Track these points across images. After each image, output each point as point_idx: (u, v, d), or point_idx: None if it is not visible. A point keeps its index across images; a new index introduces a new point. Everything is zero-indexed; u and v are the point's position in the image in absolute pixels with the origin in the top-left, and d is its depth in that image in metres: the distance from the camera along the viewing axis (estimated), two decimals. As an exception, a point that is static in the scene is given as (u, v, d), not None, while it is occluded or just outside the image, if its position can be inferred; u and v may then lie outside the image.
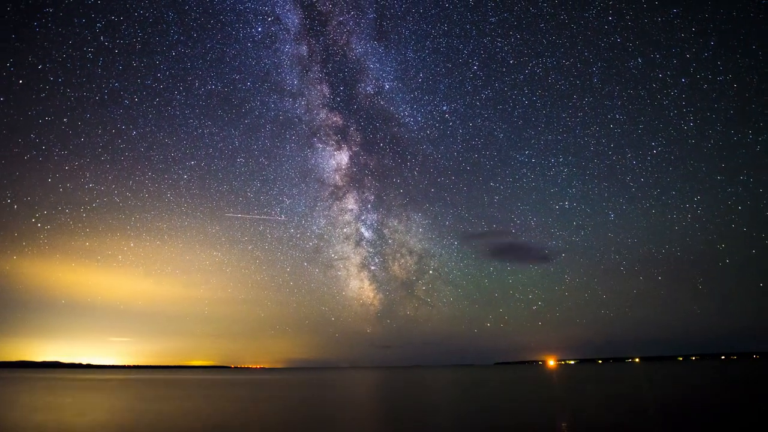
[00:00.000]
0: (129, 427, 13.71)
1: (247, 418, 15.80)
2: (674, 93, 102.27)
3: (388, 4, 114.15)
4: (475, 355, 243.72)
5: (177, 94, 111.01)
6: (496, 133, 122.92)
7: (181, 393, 30.91)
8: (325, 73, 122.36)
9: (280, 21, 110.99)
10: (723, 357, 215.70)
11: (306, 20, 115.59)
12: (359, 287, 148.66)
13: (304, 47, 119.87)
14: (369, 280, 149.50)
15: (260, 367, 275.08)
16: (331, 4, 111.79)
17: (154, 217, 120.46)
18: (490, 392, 28.38)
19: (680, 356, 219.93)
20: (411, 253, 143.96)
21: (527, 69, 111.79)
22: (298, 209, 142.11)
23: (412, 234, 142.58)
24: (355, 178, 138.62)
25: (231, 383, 48.53)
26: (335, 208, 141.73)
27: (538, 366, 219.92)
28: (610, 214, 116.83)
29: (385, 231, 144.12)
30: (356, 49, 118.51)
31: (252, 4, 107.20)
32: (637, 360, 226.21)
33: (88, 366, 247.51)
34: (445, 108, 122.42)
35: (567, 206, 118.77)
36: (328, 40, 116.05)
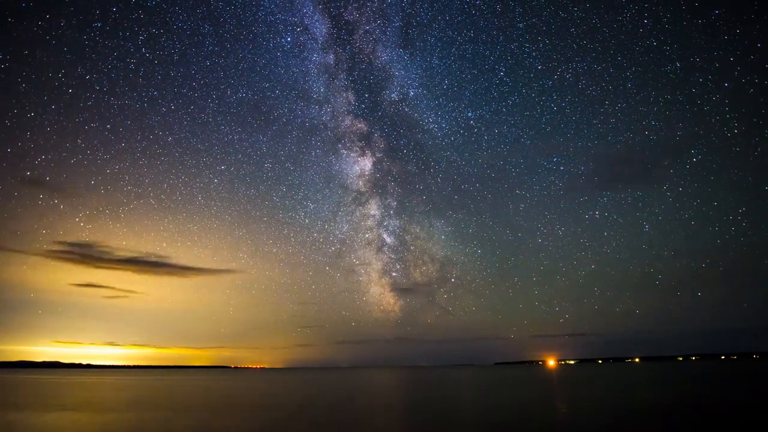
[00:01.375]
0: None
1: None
2: (716, 98, 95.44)
3: (414, 12, 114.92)
4: (475, 355, 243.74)
5: (210, 102, 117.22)
6: (522, 140, 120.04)
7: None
8: (350, 80, 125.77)
9: (309, 31, 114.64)
10: (723, 357, 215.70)
11: (333, 30, 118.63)
12: (380, 293, 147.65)
13: (331, 56, 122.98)
14: (390, 286, 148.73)
15: (260, 367, 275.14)
16: (358, 14, 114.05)
17: (186, 219, 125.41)
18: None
19: (680, 356, 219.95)
20: (433, 260, 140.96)
21: (556, 74, 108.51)
22: (321, 214, 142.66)
23: (434, 241, 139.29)
24: (378, 184, 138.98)
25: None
26: (358, 213, 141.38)
27: (538, 366, 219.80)
28: (645, 225, 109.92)
29: (407, 237, 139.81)
30: (381, 57, 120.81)
31: (282, 15, 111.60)
32: (637, 360, 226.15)
33: (88, 366, 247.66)
34: (470, 114, 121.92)
35: (597, 216, 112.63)
36: (355, 48, 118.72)
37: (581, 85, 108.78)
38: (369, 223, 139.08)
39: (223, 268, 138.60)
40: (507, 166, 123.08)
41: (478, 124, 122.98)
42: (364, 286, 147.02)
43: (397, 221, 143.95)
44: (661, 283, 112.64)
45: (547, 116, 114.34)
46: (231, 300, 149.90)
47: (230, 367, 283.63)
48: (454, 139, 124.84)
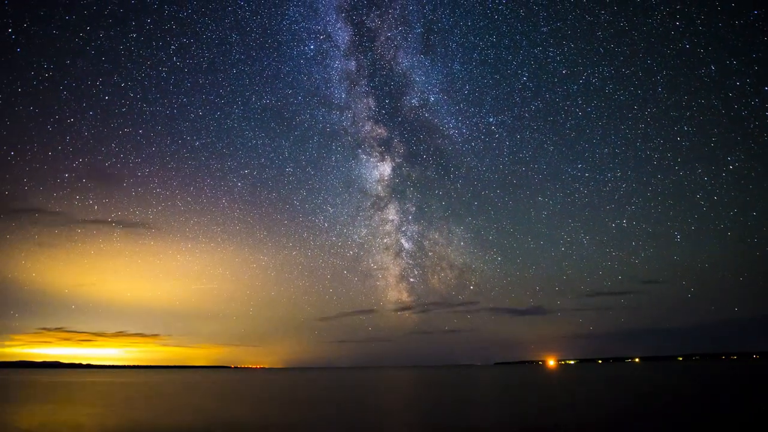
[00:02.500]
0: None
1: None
2: (755, 102, 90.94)
3: (436, 18, 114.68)
4: (475, 355, 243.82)
5: (236, 108, 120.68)
6: (545, 146, 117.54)
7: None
8: (371, 86, 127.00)
9: (331, 38, 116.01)
10: (723, 357, 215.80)
11: (355, 37, 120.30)
12: (397, 298, 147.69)
13: (353, 62, 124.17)
14: (407, 291, 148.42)
15: (260, 367, 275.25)
16: (380, 21, 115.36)
17: (210, 221, 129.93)
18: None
19: (680, 356, 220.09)
20: (451, 266, 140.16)
21: (581, 79, 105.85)
22: (340, 218, 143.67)
23: (453, 247, 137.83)
24: (397, 189, 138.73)
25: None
26: (376, 218, 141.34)
27: (538, 366, 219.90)
28: (677, 236, 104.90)
29: (426, 243, 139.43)
30: (402, 63, 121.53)
31: (306, 23, 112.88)
32: (637, 360, 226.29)
33: (88, 366, 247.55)
34: (491, 120, 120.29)
35: (625, 225, 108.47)
36: (376, 55, 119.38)
37: (608, 89, 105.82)
38: (387, 228, 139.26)
39: (244, 269, 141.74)
40: (529, 173, 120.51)
41: (500, 130, 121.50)
42: (381, 291, 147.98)
43: (416, 227, 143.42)
44: (693, 296, 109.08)
45: (572, 121, 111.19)
46: (251, 300, 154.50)
47: (230, 367, 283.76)
48: (475, 145, 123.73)
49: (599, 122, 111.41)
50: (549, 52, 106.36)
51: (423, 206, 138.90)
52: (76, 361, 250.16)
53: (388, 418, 15.28)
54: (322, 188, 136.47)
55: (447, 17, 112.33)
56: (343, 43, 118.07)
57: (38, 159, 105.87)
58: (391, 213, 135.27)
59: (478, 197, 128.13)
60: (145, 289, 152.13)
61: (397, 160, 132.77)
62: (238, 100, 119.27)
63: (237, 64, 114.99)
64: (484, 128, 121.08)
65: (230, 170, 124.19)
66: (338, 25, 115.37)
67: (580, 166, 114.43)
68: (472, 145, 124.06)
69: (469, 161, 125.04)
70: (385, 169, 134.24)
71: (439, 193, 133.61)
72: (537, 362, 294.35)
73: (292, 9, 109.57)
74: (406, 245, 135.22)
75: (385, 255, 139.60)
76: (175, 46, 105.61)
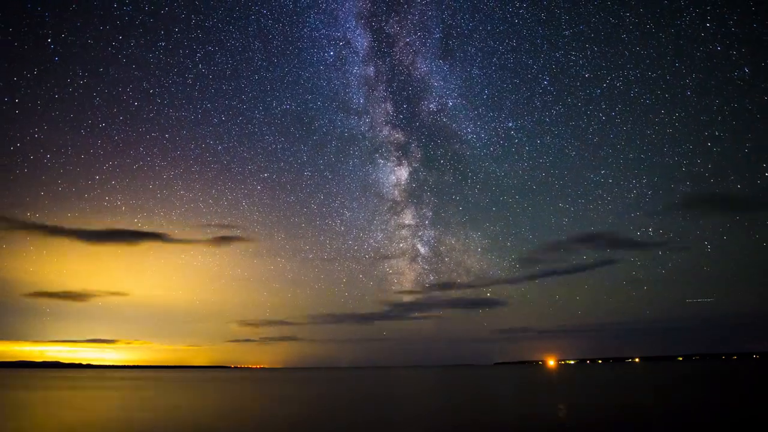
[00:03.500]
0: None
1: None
2: None
3: (455, 23, 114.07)
4: (475, 355, 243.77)
5: (257, 113, 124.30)
6: (567, 151, 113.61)
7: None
8: (389, 91, 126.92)
9: (351, 45, 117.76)
10: (723, 357, 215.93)
11: (374, 43, 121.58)
12: (411, 301, 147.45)
13: (372, 68, 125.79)
14: (422, 295, 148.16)
15: (260, 367, 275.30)
16: (399, 27, 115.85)
17: (230, 223, 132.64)
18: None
19: (680, 356, 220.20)
20: (468, 273, 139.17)
21: (605, 83, 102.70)
22: (357, 222, 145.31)
23: (470, 253, 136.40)
24: (414, 194, 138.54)
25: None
26: (393, 222, 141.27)
27: (538, 366, 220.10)
28: (707, 246, 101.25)
29: (442, 248, 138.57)
30: (421, 68, 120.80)
31: (326, 30, 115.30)
32: (637, 360, 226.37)
33: (88, 366, 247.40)
34: (510, 125, 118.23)
35: (651, 233, 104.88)
36: (394, 60, 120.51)
37: (633, 93, 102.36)
38: (404, 232, 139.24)
39: (262, 271, 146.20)
40: (549, 179, 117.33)
41: (519, 135, 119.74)
42: (396, 294, 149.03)
43: (432, 232, 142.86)
44: (724, 317, 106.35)
45: (595, 126, 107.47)
46: (267, 302, 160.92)
47: (230, 367, 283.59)
48: (493, 150, 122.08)
49: (623, 127, 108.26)
50: (571, 55, 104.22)
51: (440, 211, 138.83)
52: (76, 362, 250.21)
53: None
54: (339, 192, 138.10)
55: (466, 22, 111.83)
56: (362, 49, 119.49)
57: (72, 162, 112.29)
58: (408, 218, 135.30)
59: (497, 203, 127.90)
60: (165, 290, 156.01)
61: (415, 165, 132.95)
62: (260, 106, 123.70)
63: (259, 71, 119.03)
64: (503, 133, 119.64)
65: (250, 173, 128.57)
66: (357, 32, 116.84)
67: (603, 172, 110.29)
68: (490, 150, 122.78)
69: (487, 166, 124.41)
70: (403, 173, 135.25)
71: (456, 198, 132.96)
72: (537, 362, 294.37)
73: (313, 17, 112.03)
74: (422, 250, 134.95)
75: (401, 260, 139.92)
76: (200, 53, 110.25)
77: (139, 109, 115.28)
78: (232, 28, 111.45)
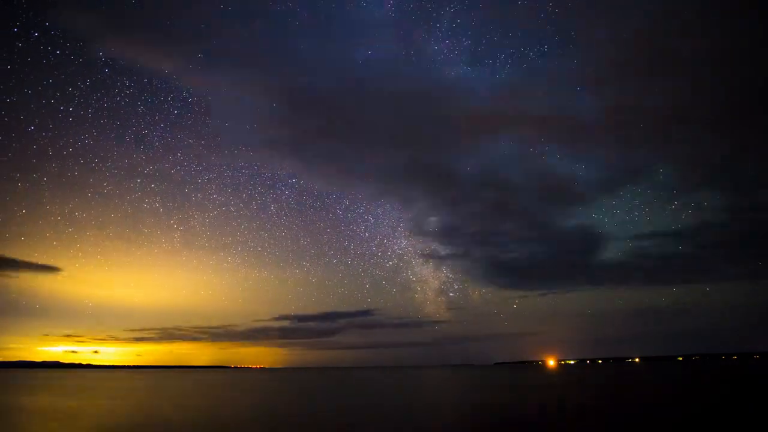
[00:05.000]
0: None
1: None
2: None
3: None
4: (475, 355, 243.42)
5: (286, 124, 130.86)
6: None
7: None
8: None
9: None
10: (723, 357, 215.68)
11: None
12: (435, 311, 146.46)
13: None
14: (446, 306, 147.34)
15: (260, 367, 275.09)
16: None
17: (259, 226, 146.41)
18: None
19: (680, 356, 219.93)
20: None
21: None
22: (381, 228, 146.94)
23: None
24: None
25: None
26: (417, 230, 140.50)
27: (538, 366, 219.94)
28: None
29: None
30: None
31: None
32: (637, 360, 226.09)
33: (88, 366, 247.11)
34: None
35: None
36: None
37: None
38: (428, 240, 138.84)
39: (287, 273, 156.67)
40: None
41: None
42: (419, 304, 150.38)
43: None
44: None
45: None
46: (292, 305, 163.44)
47: (230, 367, 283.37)
48: None
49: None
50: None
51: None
52: (76, 361, 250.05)
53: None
54: (364, 198, 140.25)
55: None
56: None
57: (117, 165, 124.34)
58: (432, 225, 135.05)
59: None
60: (191, 288, 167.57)
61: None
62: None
63: (291, 87, 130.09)
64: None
65: (280, 179, 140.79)
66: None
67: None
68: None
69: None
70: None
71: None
72: (537, 362, 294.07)
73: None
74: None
75: (425, 267, 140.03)
76: (236, 67, 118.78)
77: (179, 117, 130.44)
78: (269, 39, 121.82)
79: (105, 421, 15.03)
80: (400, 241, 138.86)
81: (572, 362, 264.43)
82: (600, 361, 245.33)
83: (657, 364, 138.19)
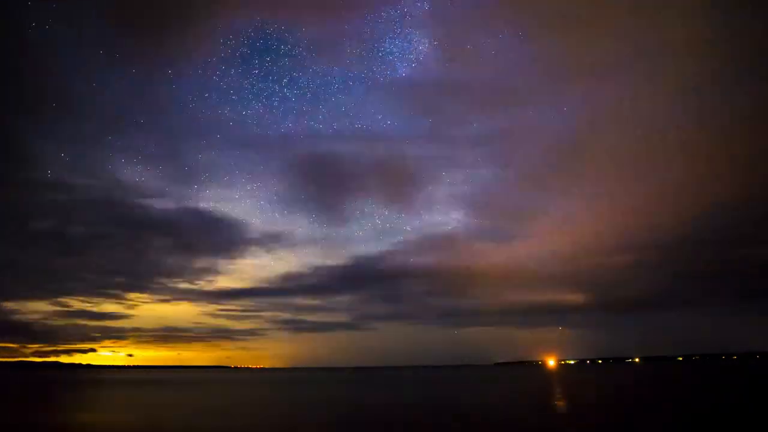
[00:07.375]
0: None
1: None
2: None
3: None
4: (475, 355, 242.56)
5: (330, 131, 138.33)
6: None
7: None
8: None
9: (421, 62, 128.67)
10: (723, 357, 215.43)
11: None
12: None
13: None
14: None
15: (260, 367, 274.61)
16: None
17: (292, 232, 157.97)
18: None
19: (680, 356, 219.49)
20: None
21: None
22: None
23: None
24: None
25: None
26: None
27: (538, 366, 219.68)
28: None
29: None
30: None
31: (399, 53, 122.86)
32: (637, 360, 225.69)
33: (88, 366, 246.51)
34: None
35: None
36: None
37: None
38: None
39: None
40: None
41: None
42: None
43: None
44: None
45: None
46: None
47: (230, 367, 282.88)
48: None
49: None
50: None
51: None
52: (76, 362, 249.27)
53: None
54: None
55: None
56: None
57: (183, 172, 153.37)
58: None
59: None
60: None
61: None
62: (334, 125, 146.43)
63: (336, 94, 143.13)
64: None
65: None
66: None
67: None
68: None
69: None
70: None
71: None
72: (537, 362, 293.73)
73: (388, 41, 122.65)
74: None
75: None
76: (286, 79, 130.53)
77: (234, 128, 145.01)
78: (315, 54, 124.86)
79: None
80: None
81: (572, 362, 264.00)
82: (600, 361, 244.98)
83: (657, 364, 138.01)
